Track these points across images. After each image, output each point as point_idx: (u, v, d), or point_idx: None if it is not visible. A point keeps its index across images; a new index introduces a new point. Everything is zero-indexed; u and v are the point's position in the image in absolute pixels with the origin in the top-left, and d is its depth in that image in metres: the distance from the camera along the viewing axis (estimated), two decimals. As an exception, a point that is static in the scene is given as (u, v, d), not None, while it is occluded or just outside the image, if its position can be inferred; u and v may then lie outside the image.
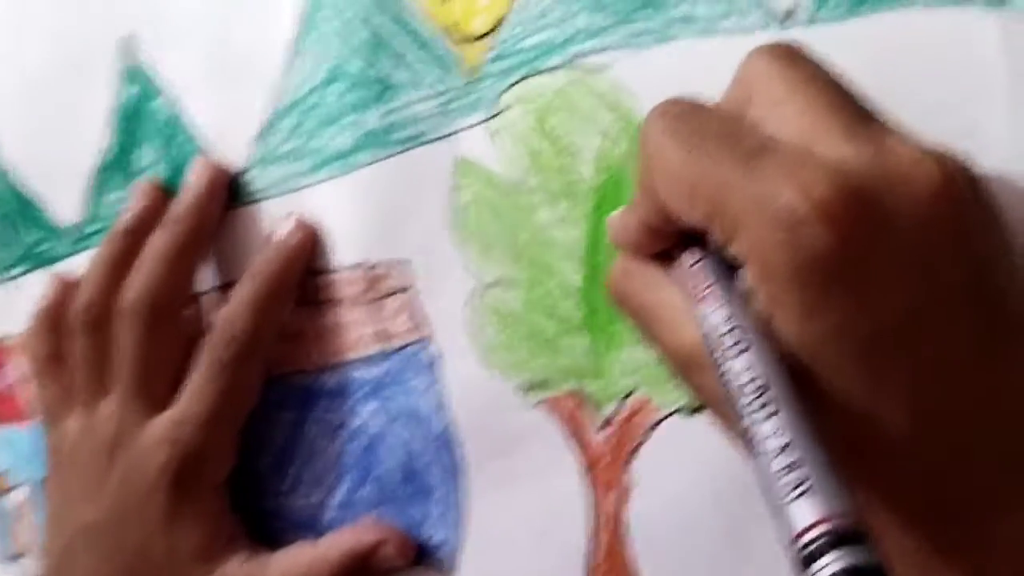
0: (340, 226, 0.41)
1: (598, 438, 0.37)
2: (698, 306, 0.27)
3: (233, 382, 0.41)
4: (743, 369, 0.24)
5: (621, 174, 0.36)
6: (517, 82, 0.37)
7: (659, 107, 0.28)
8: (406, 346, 0.40)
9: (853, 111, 0.26)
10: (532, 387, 0.38)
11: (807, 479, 0.22)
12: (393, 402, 0.40)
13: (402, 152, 0.39)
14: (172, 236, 0.42)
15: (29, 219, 0.47)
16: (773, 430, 0.23)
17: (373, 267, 0.40)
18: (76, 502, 0.43)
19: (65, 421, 0.44)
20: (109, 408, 0.42)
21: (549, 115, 0.37)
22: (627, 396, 0.36)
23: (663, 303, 0.29)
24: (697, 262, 0.28)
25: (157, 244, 0.42)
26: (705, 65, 0.34)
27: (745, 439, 0.24)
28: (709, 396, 0.28)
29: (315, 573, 0.40)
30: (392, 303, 0.40)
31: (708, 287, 0.27)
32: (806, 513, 0.22)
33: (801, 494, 0.22)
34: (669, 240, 0.29)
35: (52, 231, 0.47)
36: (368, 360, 0.41)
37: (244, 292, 0.41)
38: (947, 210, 0.24)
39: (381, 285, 0.40)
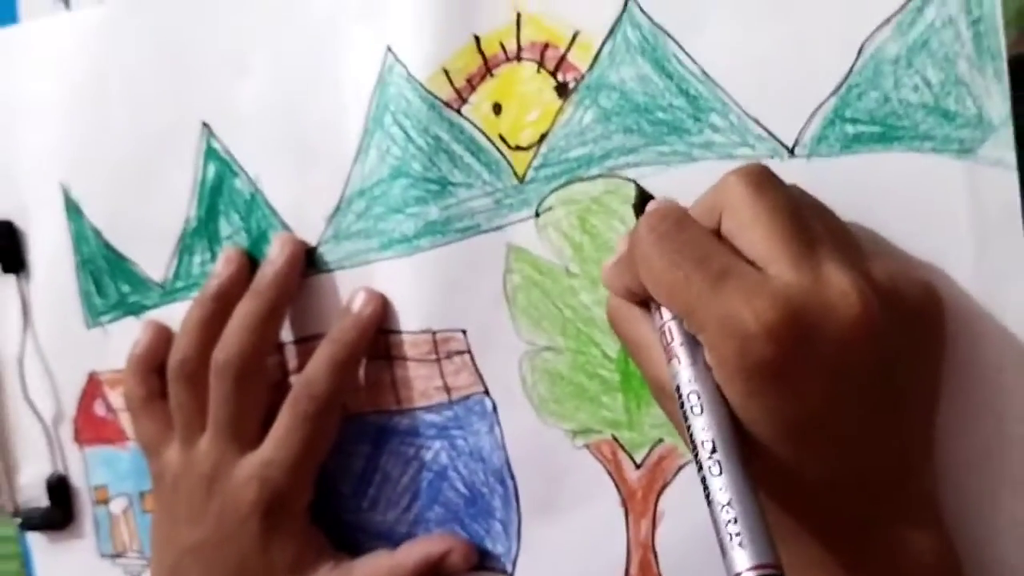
0: (406, 297, 0.48)
1: (633, 476, 0.45)
2: (668, 361, 0.36)
3: (314, 432, 0.48)
4: (700, 428, 0.34)
5: (651, 268, 0.43)
6: (560, 186, 0.44)
7: (649, 219, 0.37)
8: (467, 397, 0.48)
9: (803, 240, 0.35)
10: (577, 433, 0.46)
11: (742, 532, 0.32)
12: (458, 442, 0.48)
13: (460, 240, 0.46)
14: (258, 304, 0.49)
15: (121, 273, 0.54)
16: (720, 486, 0.33)
17: (435, 333, 0.48)
18: (181, 525, 0.51)
19: (165, 453, 0.52)
20: (205, 446, 0.50)
21: (589, 216, 0.44)
22: (656, 444, 0.44)
23: (644, 339, 0.39)
24: (666, 321, 0.36)
25: (245, 311, 0.49)
26: (722, 184, 0.42)
27: (702, 484, 0.33)
28: (677, 422, 0.38)
29: None
30: (454, 362, 0.48)
31: (676, 346, 0.36)
32: (743, 559, 0.32)
33: (740, 544, 0.32)
34: (644, 299, 0.38)
35: (142, 285, 0.54)
36: (434, 407, 0.48)
37: (324, 355, 0.48)
38: (860, 332, 0.34)
39: (444, 347, 0.48)
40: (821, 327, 0.33)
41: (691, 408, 0.34)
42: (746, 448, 0.34)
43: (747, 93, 0.41)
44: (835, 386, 0.34)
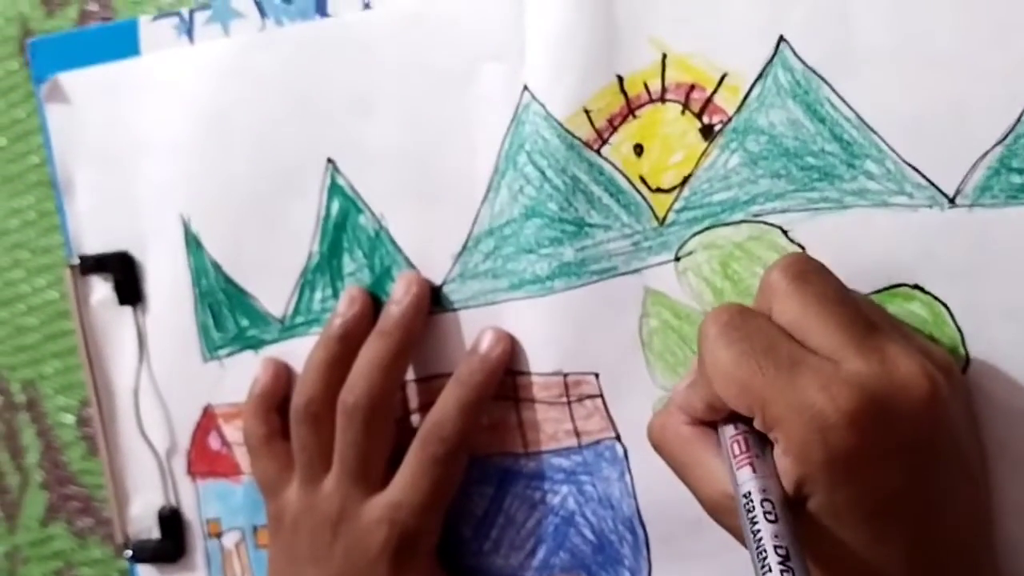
0: (536, 338, 0.47)
1: (771, 528, 0.44)
2: (738, 470, 0.35)
3: (443, 474, 0.48)
4: (772, 535, 0.33)
5: (797, 316, 0.42)
6: (702, 231, 0.43)
7: (713, 314, 0.37)
8: (597, 442, 0.47)
9: (860, 326, 0.35)
10: (712, 483, 0.45)
11: None
12: (586, 487, 0.47)
13: (595, 282, 0.45)
14: (385, 346, 0.48)
15: (240, 307, 0.54)
16: None
17: (567, 375, 0.47)
18: (303, 566, 0.50)
19: (284, 493, 0.51)
20: (329, 487, 0.49)
21: (731, 261, 0.43)
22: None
23: (697, 458, 0.38)
24: (738, 434, 0.36)
25: (372, 353, 0.48)
26: (874, 233, 0.40)
27: None
28: (734, 531, 0.37)
29: None
30: (585, 406, 0.47)
31: (749, 457, 0.35)
32: None
33: None
34: (721, 415, 0.37)
35: (261, 319, 0.53)
36: (563, 451, 0.47)
37: (452, 397, 0.48)
38: (932, 409, 0.34)
39: (575, 391, 0.47)
40: (896, 410, 0.34)
41: (764, 515, 0.34)
42: (825, 546, 0.34)
43: (905, 140, 0.40)
44: (915, 462, 0.34)
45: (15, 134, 0.60)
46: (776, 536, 0.33)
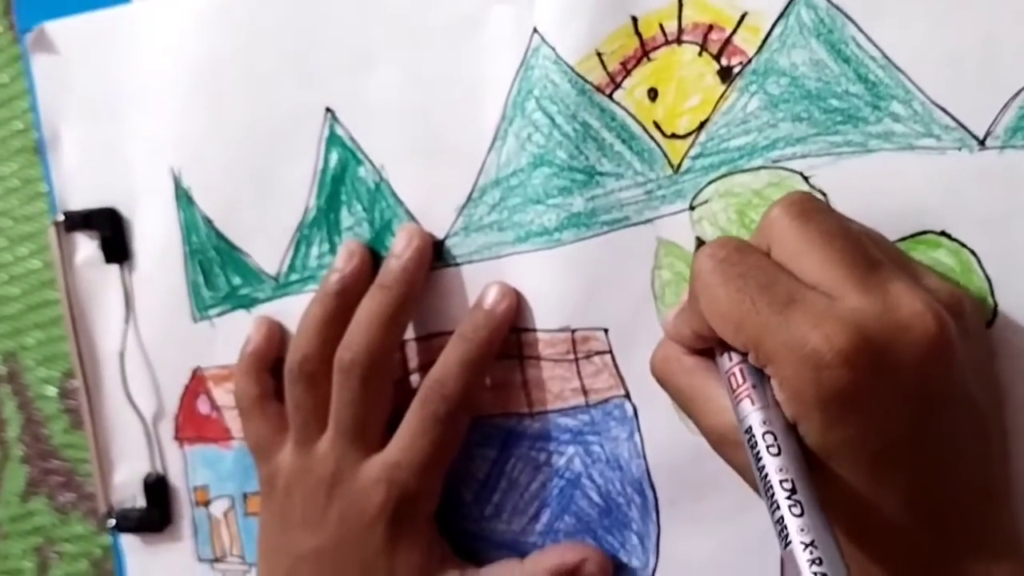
0: (543, 293, 0.45)
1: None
2: (738, 404, 0.34)
3: (444, 434, 0.46)
4: (777, 469, 0.32)
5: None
6: (718, 178, 0.42)
7: (710, 248, 0.35)
8: (605, 401, 0.45)
9: (864, 262, 0.34)
10: (726, 442, 0.43)
11: (828, 574, 0.30)
12: (593, 448, 0.46)
13: (606, 233, 0.44)
14: (384, 301, 0.46)
15: (232, 264, 0.52)
16: (802, 527, 0.31)
17: (574, 331, 0.45)
18: (295, 531, 0.48)
19: (277, 456, 0.49)
20: (324, 448, 0.47)
21: (749, 210, 0.41)
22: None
23: (699, 390, 0.37)
24: (734, 365, 0.35)
25: (371, 308, 0.46)
26: (900, 178, 0.39)
27: (775, 523, 0.32)
28: (740, 466, 0.36)
29: None
30: (593, 363, 0.45)
31: (746, 388, 0.34)
32: None
33: None
34: (712, 344, 0.36)
35: (254, 277, 0.51)
36: (569, 410, 0.46)
37: (454, 354, 0.46)
38: (938, 352, 0.32)
39: (583, 347, 0.45)
40: (897, 350, 0.32)
41: (767, 449, 0.32)
42: (821, 484, 0.32)
43: (933, 80, 0.38)
44: (917, 410, 0.32)
45: (-2, 99, 0.58)
46: (781, 470, 0.32)
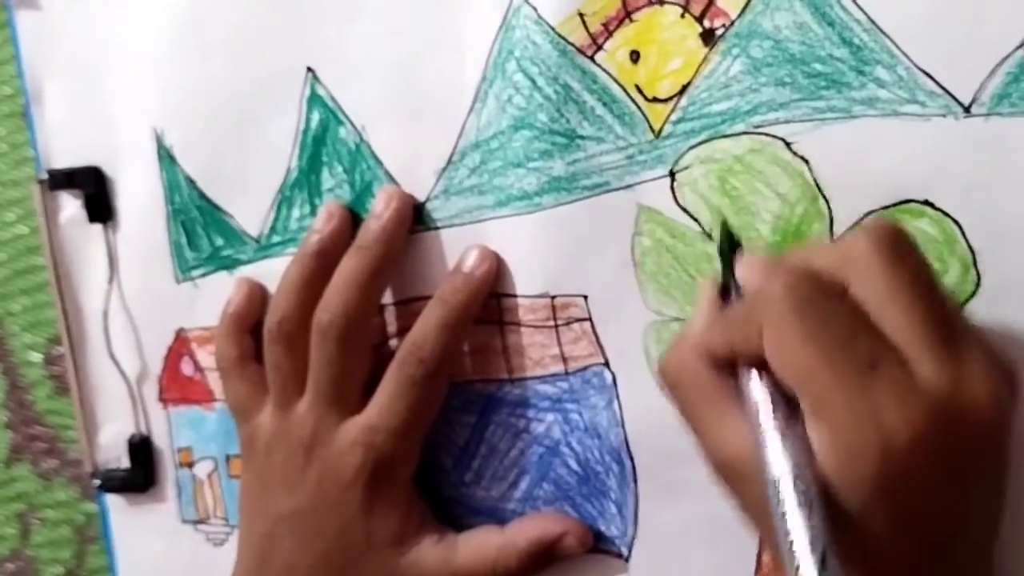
0: (523, 258, 0.45)
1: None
2: (762, 435, 0.32)
3: (421, 397, 0.45)
4: (807, 525, 0.30)
5: (797, 235, 0.40)
6: (700, 143, 0.41)
7: (787, 279, 0.34)
8: (584, 368, 0.44)
9: (946, 329, 0.33)
10: (704, 411, 0.42)
11: None
12: (572, 415, 0.45)
13: (586, 198, 0.43)
14: (363, 261, 0.46)
15: (215, 225, 0.51)
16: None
17: (554, 297, 0.44)
18: (275, 492, 0.48)
19: (257, 417, 0.49)
20: (303, 410, 0.47)
21: (730, 176, 0.41)
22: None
23: (713, 406, 0.35)
24: (767, 393, 0.33)
25: (349, 269, 0.46)
26: (884, 145, 0.38)
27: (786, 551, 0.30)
28: (746, 501, 0.35)
29: (504, 557, 0.46)
30: (572, 330, 0.44)
31: (775, 424, 0.32)
32: None
33: None
34: (745, 363, 0.34)
35: (237, 238, 0.51)
36: (548, 377, 0.45)
37: (432, 317, 0.45)
38: (992, 434, 0.33)
39: (562, 313, 0.44)
40: (959, 434, 0.32)
41: (799, 502, 0.31)
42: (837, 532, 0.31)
43: (918, 44, 0.37)
44: (960, 480, 0.33)
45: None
46: (813, 527, 0.30)
